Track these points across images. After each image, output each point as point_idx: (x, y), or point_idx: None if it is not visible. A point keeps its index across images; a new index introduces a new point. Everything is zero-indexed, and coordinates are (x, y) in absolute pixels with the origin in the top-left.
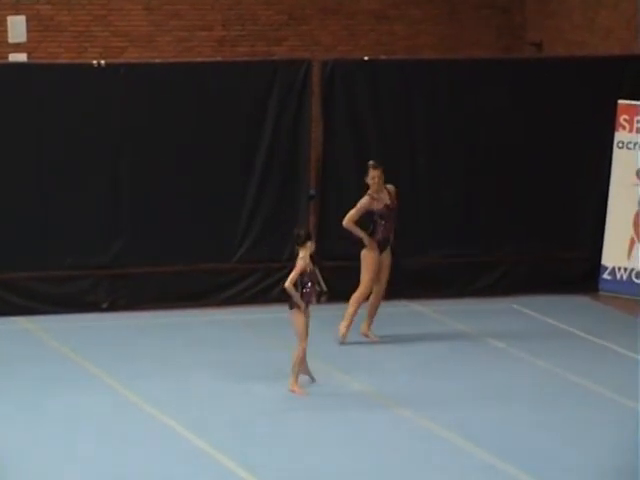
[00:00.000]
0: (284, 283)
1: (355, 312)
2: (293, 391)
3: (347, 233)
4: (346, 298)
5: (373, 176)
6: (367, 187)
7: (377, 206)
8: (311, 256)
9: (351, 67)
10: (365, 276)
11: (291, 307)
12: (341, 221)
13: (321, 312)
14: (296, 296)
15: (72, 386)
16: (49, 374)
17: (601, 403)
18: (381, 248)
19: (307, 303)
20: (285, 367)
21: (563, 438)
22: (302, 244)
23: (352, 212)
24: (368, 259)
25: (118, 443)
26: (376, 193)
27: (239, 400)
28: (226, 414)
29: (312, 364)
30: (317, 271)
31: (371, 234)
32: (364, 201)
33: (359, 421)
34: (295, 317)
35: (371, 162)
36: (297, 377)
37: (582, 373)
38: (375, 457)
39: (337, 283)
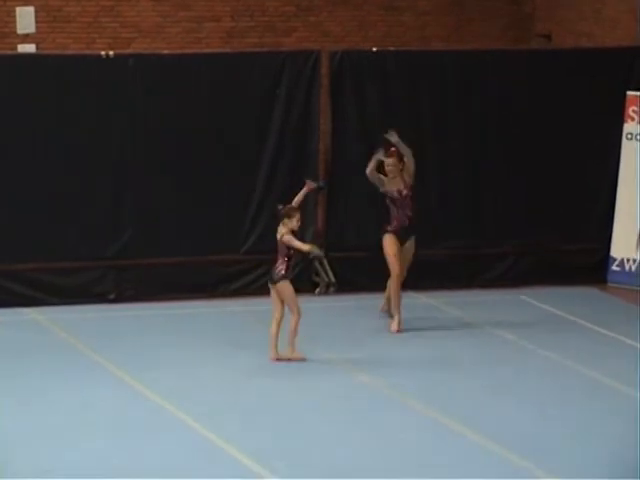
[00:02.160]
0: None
1: (398, 303)
2: (291, 359)
3: (355, 224)
4: (354, 289)
5: (387, 164)
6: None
7: (390, 187)
8: (292, 231)
9: (360, 58)
10: (388, 259)
11: (277, 280)
12: (349, 213)
13: (330, 303)
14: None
15: (81, 377)
16: (58, 365)
17: (611, 395)
18: (400, 239)
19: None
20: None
21: (574, 431)
22: (281, 219)
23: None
24: (384, 242)
25: (128, 433)
26: (391, 178)
27: (249, 391)
28: (236, 405)
29: (324, 355)
30: (325, 262)
31: (387, 222)
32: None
33: (368, 413)
34: (286, 288)
35: (384, 151)
36: (294, 346)
37: (592, 365)
38: (388, 451)
39: (345, 274)
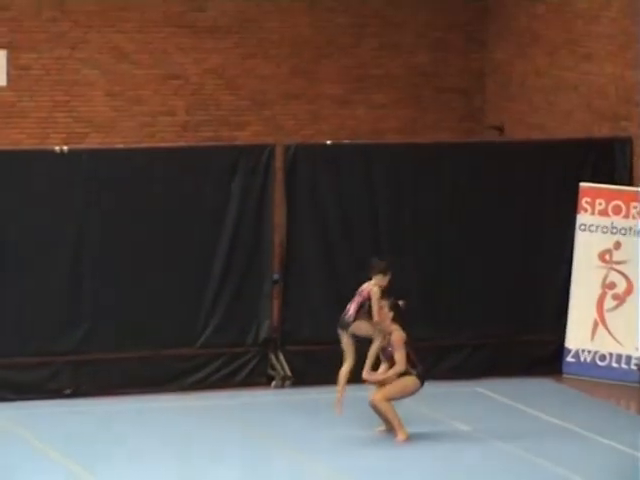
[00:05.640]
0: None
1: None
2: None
3: (311, 317)
4: (311, 382)
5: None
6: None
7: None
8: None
9: (314, 151)
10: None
11: (348, 324)
12: (304, 305)
13: (286, 397)
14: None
15: (36, 473)
16: (12, 461)
17: None
18: None
19: None
20: (244, 450)
21: None
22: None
23: None
24: None
25: None
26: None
27: None
28: None
29: (282, 447)
30: (281, 355)
31: None
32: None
33: None
34: (362, 324)
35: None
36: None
37: (548, 456)
38: None
39: (302, 367)
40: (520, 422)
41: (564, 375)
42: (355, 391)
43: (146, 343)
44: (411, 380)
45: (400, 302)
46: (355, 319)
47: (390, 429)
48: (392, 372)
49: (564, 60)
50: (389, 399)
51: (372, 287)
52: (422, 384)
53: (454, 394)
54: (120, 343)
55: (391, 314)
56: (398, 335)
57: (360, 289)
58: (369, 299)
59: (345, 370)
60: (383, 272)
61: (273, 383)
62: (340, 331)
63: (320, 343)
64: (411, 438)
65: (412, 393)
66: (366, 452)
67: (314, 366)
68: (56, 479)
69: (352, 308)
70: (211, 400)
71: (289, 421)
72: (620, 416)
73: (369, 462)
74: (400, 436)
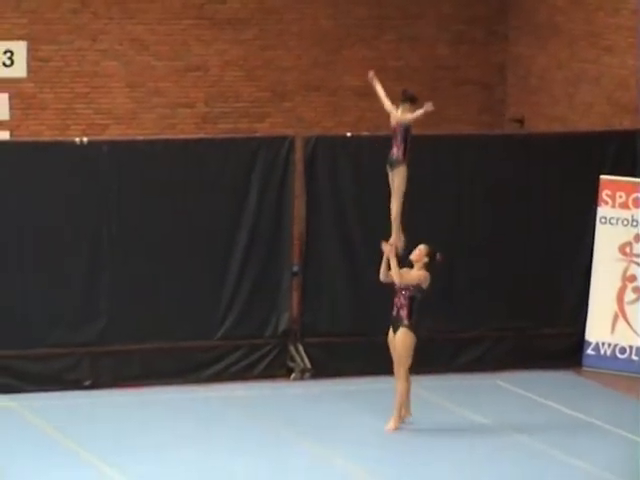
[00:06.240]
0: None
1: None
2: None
3: (330, 309)
4: (330, 374)
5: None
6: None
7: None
8: None
9: (333, 143)
10: None
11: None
12: (323, 297)
13: (306, 389)
14: None
15: (56, 464)
16: (32, 452)
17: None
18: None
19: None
20: (264, 442)
21: None
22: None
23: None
24: None
25: None
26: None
27: (222, 477)
28: None
29: (301, 438)
30: (301, 347)
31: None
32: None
33: None
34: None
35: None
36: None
37: (567, 449)
38: None
39: (321, 359)
40: (540, 415)
41: (584, 368)
42: (375, 383)
43: (165, 335)
44: (404, 335)
45: (438, 254)
46: (404, 155)
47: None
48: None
49: (585, 52)
50: (407, 369)
51: (401, 117)
52: (415, 335)
53: (474, 387)
54: (139, 335)
55: (426, 260)
56: (425, 276)
57: (391, 125)
58: (401, 126)
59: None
60: (411, 100)
61: (292, 375)
62: (388, 169)
63: (339, 335)
64: (430, 429)
65: (413, 347)
66: (385, 443)
67: (333, 358)
68: (75, 470)
69: (396, 147)
70: (230, 392)
71: (308, 413)
72: (639, 408)
73: (388, 453)
74: (391, 424)
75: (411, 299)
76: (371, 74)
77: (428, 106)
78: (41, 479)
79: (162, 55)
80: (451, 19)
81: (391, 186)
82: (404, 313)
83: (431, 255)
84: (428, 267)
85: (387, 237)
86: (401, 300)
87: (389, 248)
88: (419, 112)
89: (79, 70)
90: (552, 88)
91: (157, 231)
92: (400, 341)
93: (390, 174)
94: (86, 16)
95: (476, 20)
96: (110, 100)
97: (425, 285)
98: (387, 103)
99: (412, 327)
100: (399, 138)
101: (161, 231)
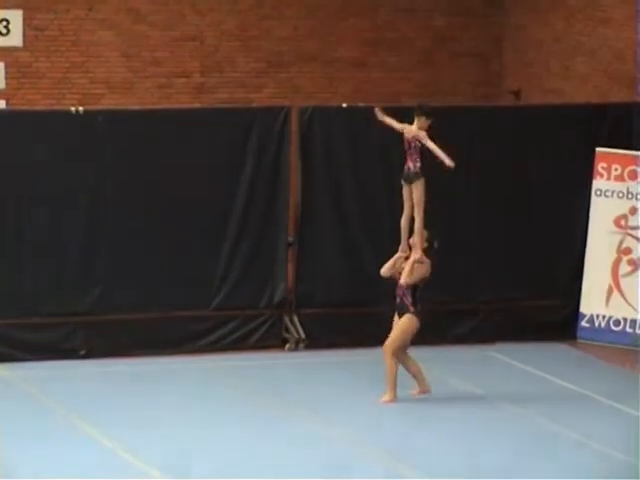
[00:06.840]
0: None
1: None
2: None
3: (325, 280)
4: (325, 345)
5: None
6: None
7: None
8: None
9: (329, 114)
10: None
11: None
12: (319, 268)
13: (300, 359)
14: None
15: (50, 434)
16: (26, 421)
17: (586, 452)
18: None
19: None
20: (258, 412)
21: None
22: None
23: None
24: None
25: None
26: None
27: (218, 446)
28: (206, 461)
29: (295, 409)
30: (296, 318)
31: None
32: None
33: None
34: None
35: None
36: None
37: (561, 420)
38: None
39: (316, 330)
40: (533, 386)
41: (578, 340)
42: (369, 354)
43: (160, 305)
44: (408, 320)
45: (436, 242)
46: (420, 168)
47: (423, 392)
48: (411, 260)
49: (581, 25)
50: (395, 349)
51: (416, 131)
52: (420, 322)
53: (468, 358)
54: (134, 305)
55: (426, 245)
56: (428, 269)
57: (406, 139)
58: (417, 140)
59: (402, 219)
60: (427, 115)
61: (287, 346)
62: (404, 184)
63: (334, 306)
64: (425, 400)
65: (413, 333)
66: (378, 413)
67: (328, 329)
68: (70, 439)
69: (411, 161)
70: (225, 362)
71: (303, 383)
72: (633, 381)
73: (381, 423)
74: (386, 397)
75: (414, 288)
76: (377, 111)
77: (449, 161)
78: (36, 447)
79: (158, 25)
80: None
81: (404, 197)
82: (408, 300)
83: (430, 241)
84: (427, 253)
85: (382, 210)
86: (403, 289)
87: (410, 261)
88: (438, 151)
89: (75, 39)
90: (548, 60)
91: (152, 202)
92: (401, 323)
93: (406, 187)
94: None
95: None
96: (106, 70)
97: (428, 275)
98: (399, 126)
99: (418, 314)
100: (414, 152)
101: (156, 202)
